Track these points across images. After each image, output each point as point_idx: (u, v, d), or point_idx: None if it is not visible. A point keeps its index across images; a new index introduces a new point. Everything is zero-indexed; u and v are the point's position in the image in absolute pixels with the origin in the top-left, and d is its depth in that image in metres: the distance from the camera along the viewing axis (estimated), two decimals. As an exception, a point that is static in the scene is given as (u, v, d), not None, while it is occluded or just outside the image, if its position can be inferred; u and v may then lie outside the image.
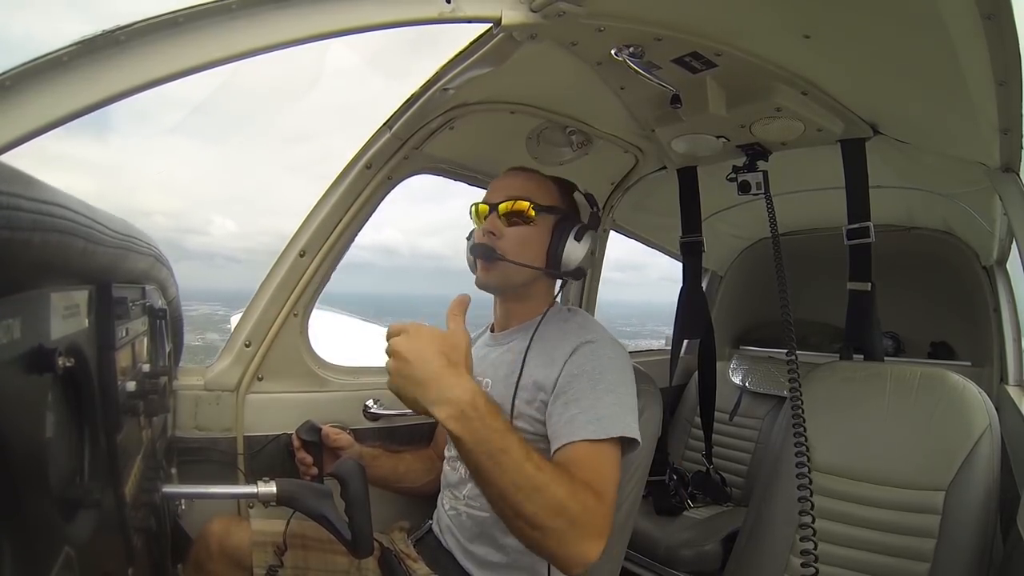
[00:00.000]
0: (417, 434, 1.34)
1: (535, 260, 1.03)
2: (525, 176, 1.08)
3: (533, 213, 1.02)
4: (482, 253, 1.02)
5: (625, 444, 0.88)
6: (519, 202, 1.02)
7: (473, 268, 1.12)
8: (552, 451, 0.88)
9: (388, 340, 0.73)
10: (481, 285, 1.06)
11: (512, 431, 0.74)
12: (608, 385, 0.90)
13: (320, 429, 1.11)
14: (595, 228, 1.07)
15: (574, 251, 1.03)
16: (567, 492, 0.73)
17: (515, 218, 1.03)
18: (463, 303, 0.79)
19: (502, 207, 1.02)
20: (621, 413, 0.88)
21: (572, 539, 0.73)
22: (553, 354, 0.97)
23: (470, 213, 1.10)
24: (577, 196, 1.11)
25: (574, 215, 1.08)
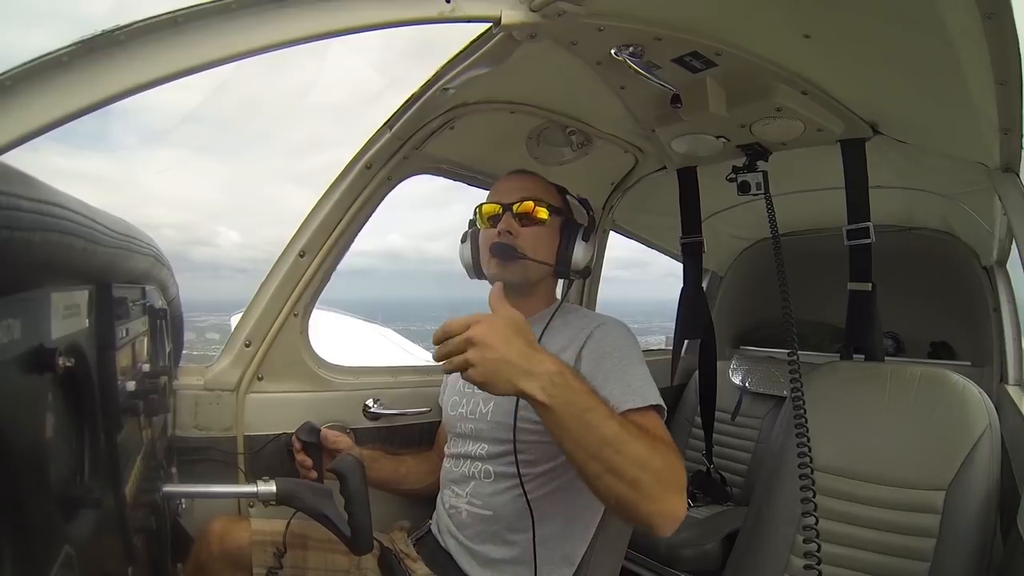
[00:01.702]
0: (417, 433, 1.34)
1: (547, 259, 1.07)
2: (533, 178, 1.11)
3: (546, 214, 1.06)
4: (503, 252, 1.04)
5: (659, 412, 0.89)
6: (535, 202, 1.05)
7: (470, 269, 1.12)
8: None
9: (453, 336, 0.71)
10: (497, 280, 1.06)
11: (594, 393, 0.75)
12: (632, 360, 0.92)
13: (319, 430, 1.11)
14: (594, 231, 1.12)
15: (583, 251, 1.07)
16: (649, 447, 0.74)
17: (528, 218, 1.05)
18: (501, 289, 0.82)
19: (516, 207, 1.05)
20: (650, 384, 0.90)
21: (659, 493, 0.73)
22: (562, 340, 0.99)
23: (474, 213, 1.12)
24: (570, 199, 1.14)
25: (573, 217, 1.12)
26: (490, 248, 1.06)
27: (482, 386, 0.71)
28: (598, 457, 0.72)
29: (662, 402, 0.89)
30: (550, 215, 1.06)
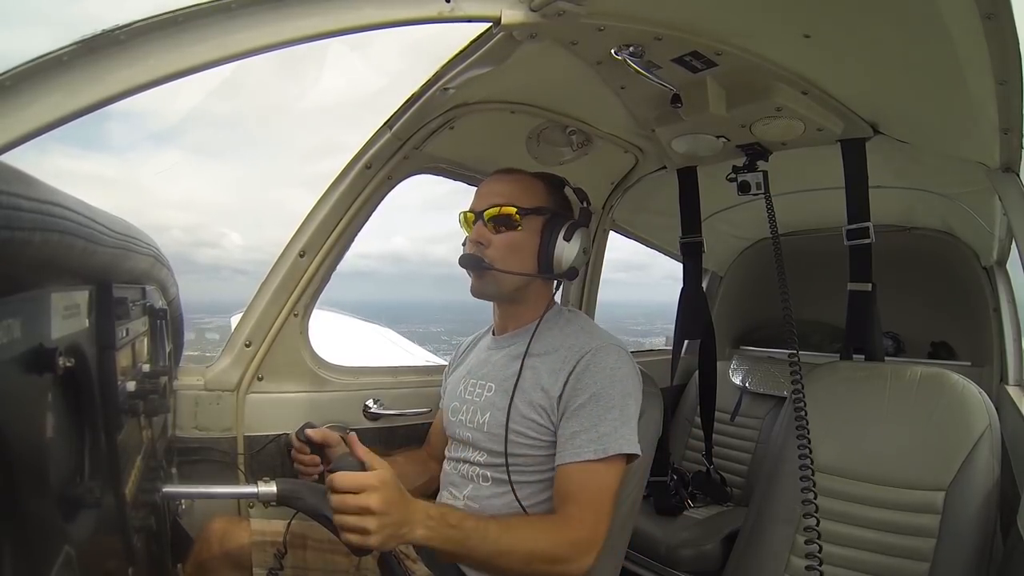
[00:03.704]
0: (416, 434, 1.33)
1: (525, 265, 1.02)
2: (509, 179, 1.06)
3: (519, 218, 1.01)
4: (470, 264, 1.02)
5: (628, 455, 0.90)
6: (504, 208, 1.01)
7: (469, 274, 1.12)
8: (556, 464, 0.92)
9: (352, 495, 0.73)
10: (476, 294, 1.06)
11: (468, 517, 0.84)
12: (611, 400, 0.91)
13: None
14: (586, 224, 1.06)
15: (565, 251, 1.01)
16: (534, 539, 0.85)
17: (502, 224, 1.02)
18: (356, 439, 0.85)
19: (487, 214, 1.01)
20: (622, 429, 0.90)
21: (558, 570, 0.85)
22: (556, 360, 0.97)
23: (459, 221, 1.09)
24: (568, 191, 1.10)
25: (564, 212, 1.07)
26: (459, 260, 1.04)
27: (374, 548, 0.74)
28: (490, 565, 0.84)
29: (627, 449, 0.90)
30: (524, 217, 1.01)
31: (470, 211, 1.05)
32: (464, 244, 1.13)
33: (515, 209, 1.01)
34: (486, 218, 1.02)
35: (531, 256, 1.02)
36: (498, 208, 1.01)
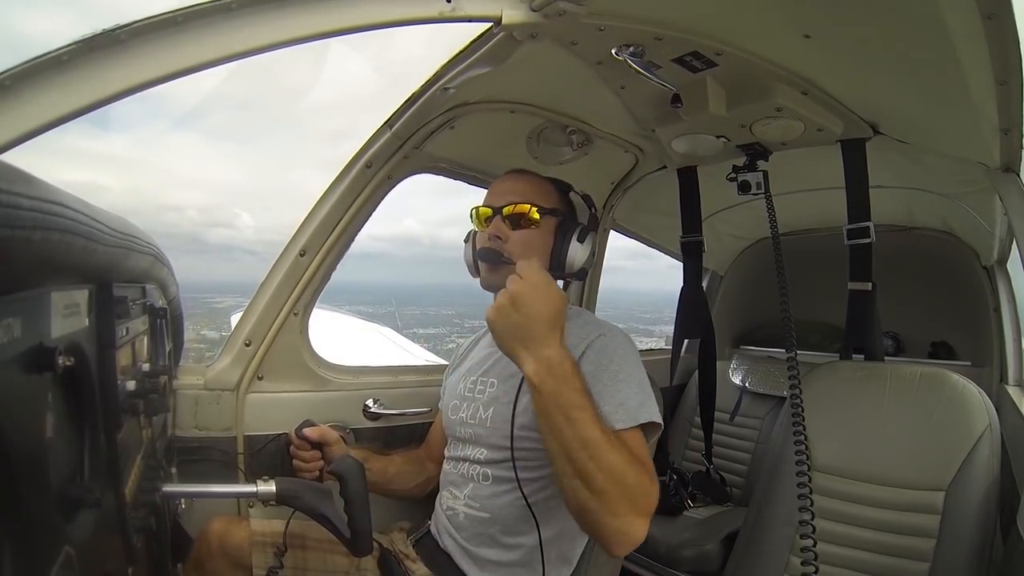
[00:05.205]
0: (416, 434, 1.33)
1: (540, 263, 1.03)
2: (527, 179, 1.09)
3: (537, 216, 1.03)
4: (488, 257, 1.03)
5: (648, 429, 0.89)
6: (523, 205, 1.03)
7: (472, 269, 1.12)
8: None
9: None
10: (487, 286, 1.06)
11: (588, 395, 0.77)
12: (627, 375, 0.91)
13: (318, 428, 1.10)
14: (594, 229, 1.09)
15: (578, 253, 1.05)
16: (626, 462, 0.75)
17: (519, 221, 1.03)
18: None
19: (506, 210, 1.03)
20: (645, 400, 0.89)
21: (623, 510, 0.74)
22: None
23: (470, 216, 1.10)
24: (573, 196, 1.12)
25: (573, 216, 1.10)
26: (476, 253, 1.06)
27: (492, 331, 0.78)
28: (571, 458, 0.74)
29: (655, 418, 0.88)
30: (542, 217, 1.04)
31: (486, 206, 1.06)
32: (467, 240, 1.13)
33: (535, 208, 1.03)
34: (505, 214, 1.03)
35: (545, 255, 1.05)
36: (516, 205, 1.03)
